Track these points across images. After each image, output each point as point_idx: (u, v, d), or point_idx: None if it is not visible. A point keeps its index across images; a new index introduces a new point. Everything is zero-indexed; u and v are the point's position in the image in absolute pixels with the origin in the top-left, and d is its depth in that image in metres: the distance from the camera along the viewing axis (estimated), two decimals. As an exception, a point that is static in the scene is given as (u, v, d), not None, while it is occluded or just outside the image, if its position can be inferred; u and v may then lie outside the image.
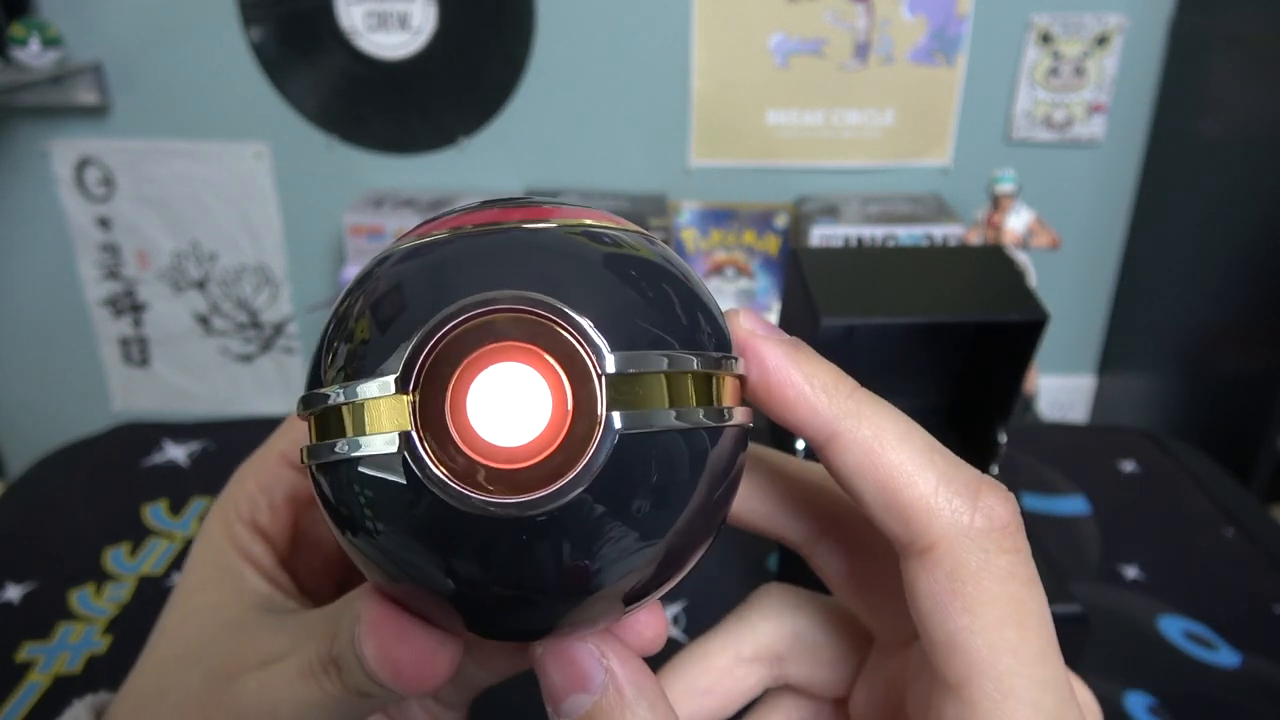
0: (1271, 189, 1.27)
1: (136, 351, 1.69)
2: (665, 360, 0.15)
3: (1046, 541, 0.54)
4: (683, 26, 1.47)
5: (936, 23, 1.47)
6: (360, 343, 0.16)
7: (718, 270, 1.60)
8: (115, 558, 0.52)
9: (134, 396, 1.72)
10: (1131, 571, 0.53)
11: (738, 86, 1.51)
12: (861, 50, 1.49)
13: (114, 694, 0.23)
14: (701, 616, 0.47)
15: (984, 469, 0.20)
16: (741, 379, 0.18)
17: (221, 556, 0.23)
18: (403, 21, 1.45)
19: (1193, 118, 1.45)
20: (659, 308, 0.16)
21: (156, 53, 1.48)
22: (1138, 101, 1.52)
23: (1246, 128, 1.35)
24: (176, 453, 0.62)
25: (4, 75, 1.34)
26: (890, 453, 0.17)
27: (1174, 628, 0.48)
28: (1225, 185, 1.38)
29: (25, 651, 0.45)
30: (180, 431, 0.64)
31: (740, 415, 0.17)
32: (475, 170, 1.55)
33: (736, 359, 0.17)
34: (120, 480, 0.59)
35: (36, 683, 0.43)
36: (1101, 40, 1.48)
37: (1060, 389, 1.72)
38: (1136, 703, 0.43)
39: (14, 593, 0.49)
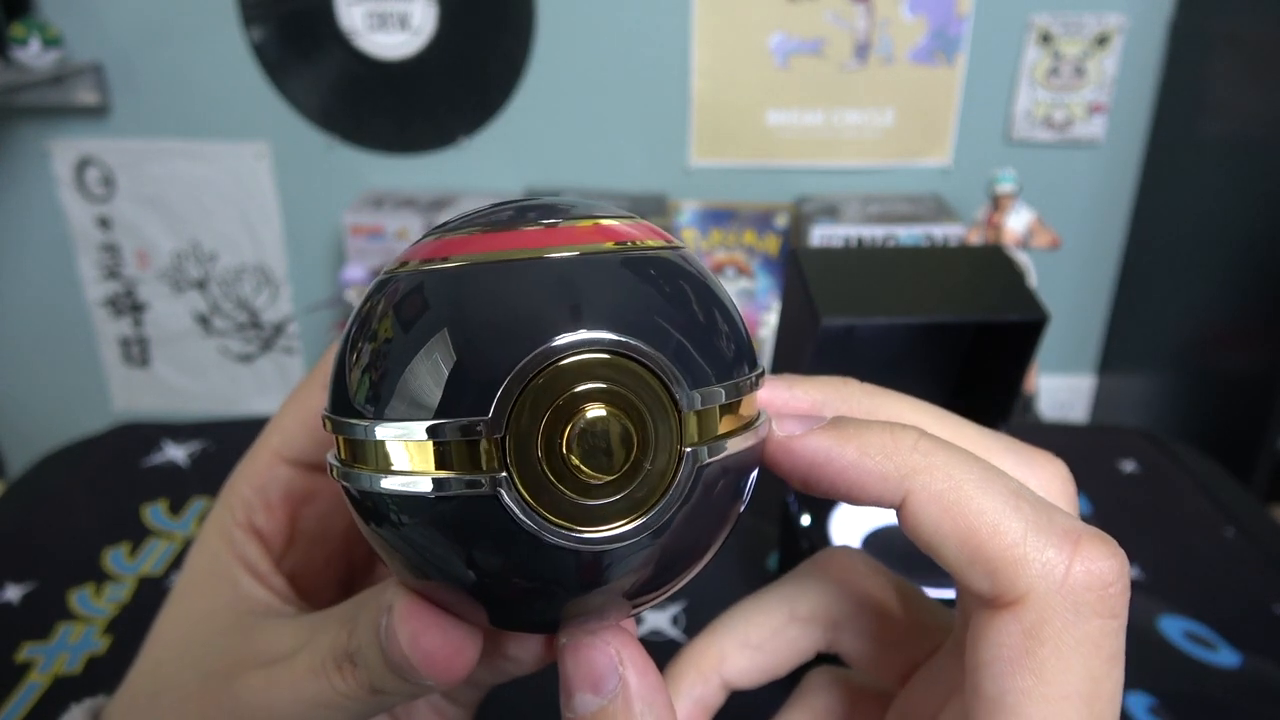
0: (1271, 189, 1.27)
1: (136, 351, 1.69)
2: (722, 393, 0.16)
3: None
4: (683, 26, 1.47)
5: (936, 23, 1.47)
6: (414, 376, 0.15)
7: (718, 270, 1.60)
8: (115, 558, 0.52)
9: (134, 396, 1.72)
10: (1131, 571, 0.53)
11: (738, 86, 1.51)
12: (861, 50, 1.48)
13: (110, 698, 0.23)
14: (702, 617, 0.47)
15: None
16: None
17: (215, 561, 0.23)
18: (403, 21, 1.45)
19: (1193, 118, 1.45)
20: (706, 337, 0.16)
21: (156, 53, 1.48)
22: (1138, 101, 1.52)
23: (1246, 128, 1.34)
24: (176, 453, 0.62)
25: (4, 75, 1.34)
26: (969, 501, 0.16)
27: (1174, 628, 0.48)
28: (1225, 185, 1.38)
29: (25, 652, 0.45)
30: (180, 431, 0.64)
31: (764, 429, 0.18)
32: (475, 170, 1.55)
33: (760, 372, 0.17)
34: (120, 480, 0.59)
35: (36, 683, 0.43)
36: (1101, 40, 1.48)
37: (1060, 389, 1.72)
38: (1136, 703, 0.43)
39: (13, 593, 0.49)
